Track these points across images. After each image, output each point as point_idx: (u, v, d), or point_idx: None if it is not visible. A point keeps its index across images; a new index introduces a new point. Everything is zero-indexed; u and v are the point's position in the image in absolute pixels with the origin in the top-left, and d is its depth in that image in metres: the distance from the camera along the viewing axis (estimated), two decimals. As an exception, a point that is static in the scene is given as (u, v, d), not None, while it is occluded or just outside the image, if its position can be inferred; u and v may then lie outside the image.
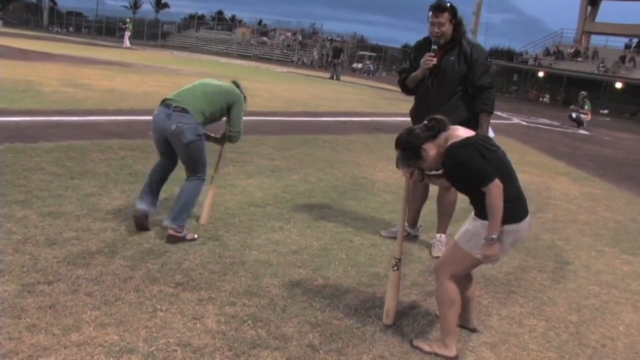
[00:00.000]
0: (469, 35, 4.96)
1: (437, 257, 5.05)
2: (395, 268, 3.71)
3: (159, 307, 3.49)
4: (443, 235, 5.29)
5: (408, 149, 3.38)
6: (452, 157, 3.23)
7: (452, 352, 3.39)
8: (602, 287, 4.93)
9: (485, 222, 3.18)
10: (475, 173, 3.17)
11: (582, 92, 25.79)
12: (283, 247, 4.79)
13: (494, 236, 3.14)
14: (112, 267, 3.94)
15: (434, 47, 4.99)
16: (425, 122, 3.37)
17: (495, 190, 3.10)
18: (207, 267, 4.16)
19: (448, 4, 4.84)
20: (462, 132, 3.35)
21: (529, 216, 3.42)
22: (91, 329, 3.15)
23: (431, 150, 3.30)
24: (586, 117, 23.94)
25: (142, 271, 3.94)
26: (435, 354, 3.38)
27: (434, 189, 5.34)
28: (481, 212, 3.24)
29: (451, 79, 4.97)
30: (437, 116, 3.38)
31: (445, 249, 3.59)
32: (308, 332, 3.44)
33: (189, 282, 3.87)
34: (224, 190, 6.16)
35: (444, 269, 3.42)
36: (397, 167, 3.61)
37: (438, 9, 4.83)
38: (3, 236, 4.17)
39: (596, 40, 52.79)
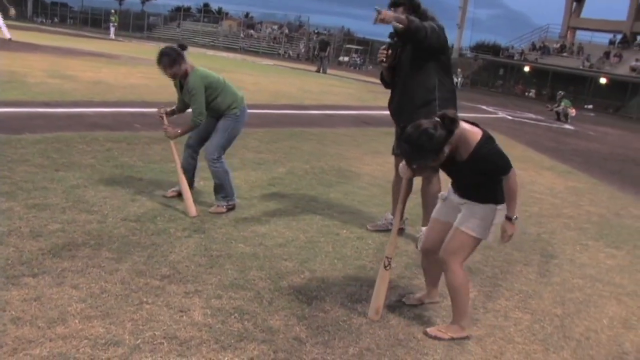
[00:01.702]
0: (433, 23, 4.95)
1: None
2: (387, 267, 3.72)
3: (145, 299, 3.48)
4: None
5: (428, 150, 3.27)
6: (484, 155, 3.35)
7: (466, 332, 3.65)
8: (586, 281, 4.97)
9: (493, 205, 3.45)
10: (502, 164, 3.35)
11: (560, 92, 26.06)
12: (269, 240, 4.79)
13: (516, 216, 3.45)
14: (97, 259, 3.92)
15: (389, 40, 5.07)
16: (439, 120, 3.29)
17: (514, 176, 3.35)
18: (194, 259, 4.14)
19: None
20: (469, 126, 3.41)
21: None
22: (77, 321, 3.13)
23: (447, 149, 3.30)
24: (571, 112, 24.12)
25: (128, 264, 3.92)
26: (453, 339, 3.56)
27: (417, 182, 5.35)
28: (484, 197, 3.47)
29: (408, 66, 5.04)
30: (450, 114, 3.31)
31: (449, 239, 3.55)
32: (294, 325, 3.44)
33: (175, 275, 3.86)
34: (210, 183, 6.13)
35: (456, 258, 3.56)
36: (410, 166, 3.55)
37: (392, 4, 4.95)
38: (-13, 228, 4.14)
39: (581, 36, 53.11)
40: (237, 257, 4.31)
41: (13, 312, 3.12)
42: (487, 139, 3.37)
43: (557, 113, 24.28)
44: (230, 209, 5.31)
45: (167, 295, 3.56)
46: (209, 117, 5.28)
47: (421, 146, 3.24)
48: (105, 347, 2.93)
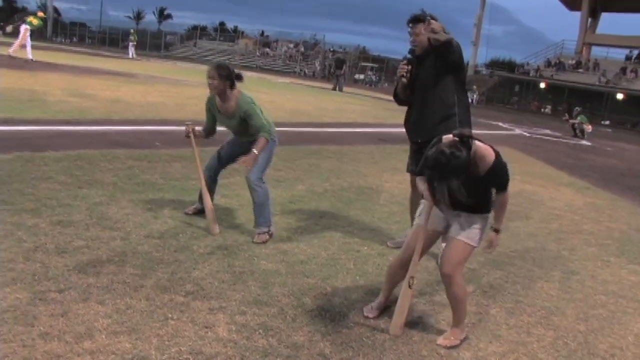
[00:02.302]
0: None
1: None
2: (411, 286, 3.74)
3: (170, 315, 3.51)
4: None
5: (456, 172, 3.27)
6: (500, 169, 3.48)
7: (465, 332, 3.82)
8: (609, 297, 4.94)
9: (487, 215, 3.66)
10: (508, 178, 3.51)
11: (577, 108, 25.96)
12: (291, 256, 4.82)
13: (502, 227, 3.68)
14: (122, 275, 3.96)
15: (408, 55, 5.12)
16: (457, 139, 3.33)
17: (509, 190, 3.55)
18: (217, 276, 4.18)
19: (422, 16, 4.94)
20: (478, 142, 3.48)
21: None
22: (103, 336, 3.17)
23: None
24: (587, 128, 24.01)
25: (152, 280, 3.96)
26: (460, 341, 3.71)
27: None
28: (482, 208, 3.64)
29: (428, 82, 5.06)
30: (467, 132, 3.38)
31: (453, 252, 3.61)
32: (318, 340, 3.46)
33: (199, 291, 3.89)
34: (232, 201, 6.20)
35: (459, 270, 3.64)
36: (433, 190, 3.48)
37: (412, 20, 5.01)
38: (14, 244, 4.19)
39: (597, 52, 53.00)
40: (259, 273, 4.34)
41: (41, 328, 3.16)
42: (499, 154, 3.48)
43: (574, 129, 24.17)
44: (271, 235, 5.23)
45: (191, 312, 3.59)
46: (242, 140, 5.36)
47: (451, 169, 3.24)
48: (132, 363, 2.96)
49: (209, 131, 5.54)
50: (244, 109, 5.13)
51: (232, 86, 5.16)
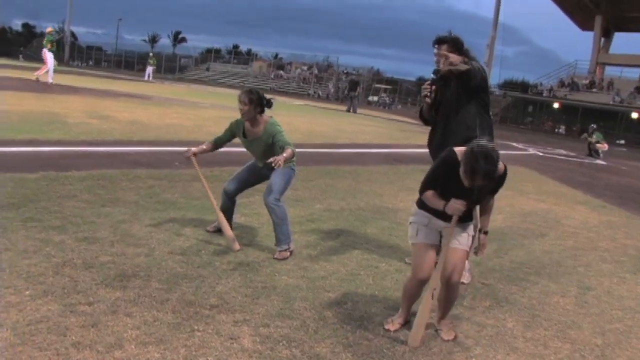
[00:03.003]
0: (477, 63, 5.09)
1: (462, 284, 5.16)
2: (433, 298, 3.89)
3: (196, 327, 3.62)
4: (466, 261, 5.34)
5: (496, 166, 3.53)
6: (504, 178, 3.77)
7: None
8: (626, 312, 4.99)
9: (470, 222, 3.98)
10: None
11: (592, 125, 25.89)
12: (311, 272, 4.92)
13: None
14: (148, 290, 4.09)
15: (433, 76, 5.18)
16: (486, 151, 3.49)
17: None
18: (240, 290, 4.29)
19: (447, 37, 5.05)
20: None
21: None
22: (133, 346, 3.28)
23: None
24: (602, 147, 23.98)
25: (177, 294, 4.08)
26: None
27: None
28: (469, 216, 3.91)
29: (451, 105, 5.14)
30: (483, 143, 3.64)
31: (458, 261, 3.88)
32: (340, 352, 3.55)
33: (223, 305, 4.00)
34: (251, 219, 6.32)
35: (460, 275, 3.95)
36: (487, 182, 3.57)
37: (437, 41, 5.08)
38: (43, 259, 4.34)
39: (610, 71, 52.95)
40: (281, 288, 4.45)
41: (73, 337, 3.28)
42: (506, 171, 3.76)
43: (589, 148, 24.13)
44: (289, 254, 5.30)
45: (217, 324, 3.70)
46: (261, 166, 5.53)
47: (495, 162, 3.48)
48: (162, 371, 3.07)
49: (218, 146, 5.68)
50: (272, 134, 5.32)
51: (262, 112, 5.39)
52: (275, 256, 5.18)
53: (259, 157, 5.53)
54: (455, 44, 5.02)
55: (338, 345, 3.64)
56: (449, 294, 3.94)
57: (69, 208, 5.71)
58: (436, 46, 5.07)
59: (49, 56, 23.42)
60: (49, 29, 24.82)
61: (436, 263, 3.92)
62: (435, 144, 5.33)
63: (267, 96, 5.53)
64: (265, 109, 5.42)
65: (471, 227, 4.00)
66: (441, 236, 3.95)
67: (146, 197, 6.58)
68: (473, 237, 4.02)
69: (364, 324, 4.02)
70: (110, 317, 3.61)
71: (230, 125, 5.60)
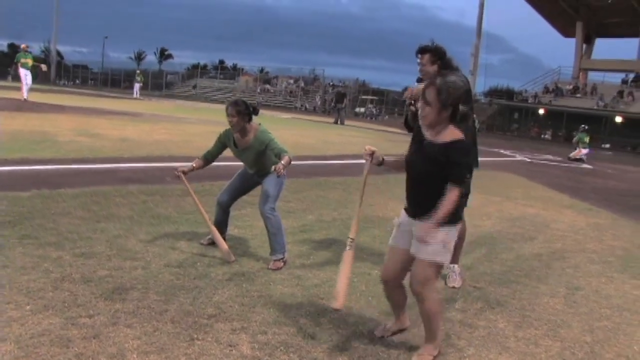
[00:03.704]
0: (456, 76, 5.17)
1: (453, 287, 5.27)
2: (348, 248, 3.93)
3: (195, 336, 3.70)
4: (456, 266, 5.45)
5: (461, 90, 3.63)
6: (462, 149, 3.61)
7: (438, 349, 3.83)
8: (614, 310, 5.11)
9: (448, 227, 3.60)
10: (465, 167, 3.62)
11: (582, 125, 26.10)
12: (305, 281, 5.01)
13: None
14: (146, 301, 4.16)
15: (416, 84, 5.31)
16: None
17: (457, 194, 3.62)
18: (237, 300, 4.37)
19: (429, 47, 5.15)
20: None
21: None
22: (135, 356, 3.36)
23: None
24: (576, 153, 24.26)
25: (175, 305, 4.16)
26: (433, 358, 3.75)
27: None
28: (427, 205, 3.60)
29: None
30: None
31: (419, 269, 3.63)
32: (337, 356, 3.64)
33: (220, 314, 4.08)
34: (245, 231, 6.41)
35: (428, 286, 3.64)
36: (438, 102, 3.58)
37: (419, 51, 5.20)
38: (42, 275, 4.41)
39: (593, 76, 53.57)
40: (277, 297, 4.54)
41: (76, 349, 3.36)
42: (467, 141, 3.60)
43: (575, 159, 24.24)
44: (285, 262, 5.41)
45: (215, 332, 3.79)
46: (252, 173, 5.64)
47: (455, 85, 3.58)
48: (164, 379, 3.15)
49: (209, 161, 5.75)
50: (264, 142, 5.41)
51: (250, 120, 5.47)
52: (269, 266, 5.26)
53: (251, 165, 5.63)
54: (437, 53, 5.14)
55: (334, 349, 3.73)
56: (417, 303, 3.74)
57: (64, 225, 5.78)
58: (419, 55, 5.19)
59: (21, 73, 23.43)
60: (23, 45, 24.71)
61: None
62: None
63: (252, 103, 5.67)
64: (253, 116, 5.53)
65: (447, 234, 3.62)
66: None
67: (140, 212, 6.65)
68: (445, 244, 3.62)
69: (358, 328, 4.11)
70: (111, 328, 3.68)
71: (219, 137, 5.68)
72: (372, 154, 3.90)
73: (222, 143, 5.67)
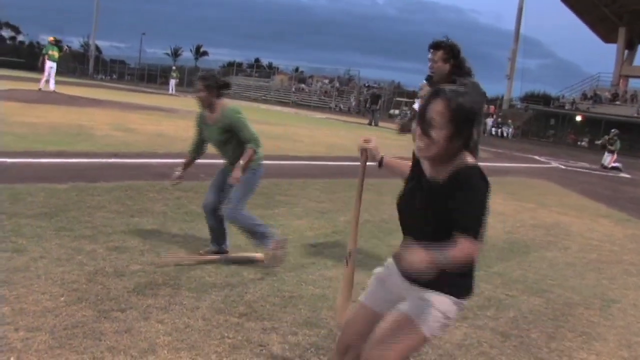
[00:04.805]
0: (471, 79, 4.91)
1: None
2: (347, 263, 3.21)
3: (226, 334, 3.71)
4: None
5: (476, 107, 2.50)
6: (474, 185, 2.44)
7: None
8: (657, 329, 4.99)
9: (453, 299, 2.55)
10: (478, 212, 2.43)
11: (613, 129, 25.62)
12: (337, 282, 4.97)
13: None
14: (178, 298, 4.19)
15: (425, 82, 5.11)
16: None
17: (471, 249, 2.36)
18: (268, 299, 4.37)
19: (444, 43, 4.92)
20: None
21: None
22: (165, 352, 3.38)
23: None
24: (612, 160, 23.81)
25: (207, 302, 4.17)
26: None
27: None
28: (444, 277, 2.42)
29: None
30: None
31: (388, 326, 2.55)
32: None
33: (252, 313, 4.09)
34: (278, 231, 6.40)
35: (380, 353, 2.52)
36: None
37: (432, 46, 4.95)
38: (76, 267, 4.46)
39: (634, 84, 52.66)
40: (308, 297, 4.53)
41: (108, 342, 3.39)
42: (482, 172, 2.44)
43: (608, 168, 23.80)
44: (281, 246, 5.12)
45: (246, 331, 3.79)
46: (231, 168, 5.12)
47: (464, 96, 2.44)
48: (194, 376, 3.16)
49: (195, 152, 5.45)
50: (229, 118, 5.04)
51: (219, 96, 5.12)
52: (264, 261, 5.10)
53: (216, 145, 5.25)
54: (451, 51, 4.91)
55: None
56: None
57: (98, 218, 5.85)
58: (431, 51, 4.96)
59: (47, 65, 23.78)
60: (50, 38, 24.99)
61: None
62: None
63: (225, 79, 5.34)
64: (224, 92, 5.18)
65: (451, 307, 2.54)
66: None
67: (174, 208, 6.70)
68: (445, 317, 2.53)
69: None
70: (143, 323, 3.71)
71: (196, 122, 5.36)
72: (365, 150, 3.08)
73: (199, 126, 5.33)
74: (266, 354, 3.51)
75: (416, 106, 5.19)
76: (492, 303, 5.01)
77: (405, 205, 2.67)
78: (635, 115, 43.92)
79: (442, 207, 2.40)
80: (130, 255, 4.93)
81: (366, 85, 58.91)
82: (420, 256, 2.23)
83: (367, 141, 3.09)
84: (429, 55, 4.99)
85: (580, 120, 47.06)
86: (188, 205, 6.96)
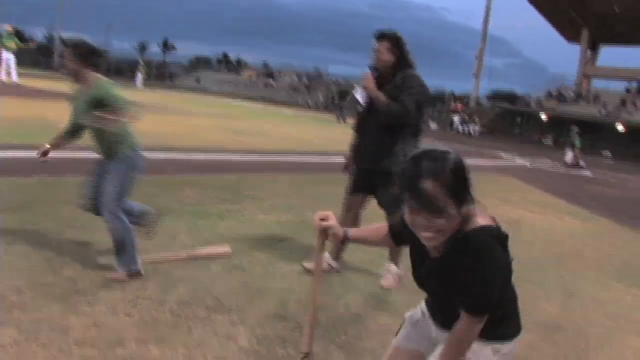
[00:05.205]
0: (413, 71, 4.91)
1: (387, 288, 5.10)
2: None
3: (193, 327, 3.74)
4: (393, 265, 5.24)
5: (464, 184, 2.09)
6: (486, 258, 2.11)
7: None
8: (608, 317, 5.15)
9: (493, 343, 2.26)
10: (485, 287, 2.13)
11: (573, 125, 26.04)
12: (305, 276, 5.04)
13: None
14: (146, 292, 4.20)
15: (368, 70, 5.02)
16: None
17: (477, 326, 2.15)
18: (235, 293, 4.41)
19: (389, 33, 4.88)
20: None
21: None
22: (133, 344, 3.40)
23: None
24: (577, 156, 24.23)
25: (174, 296, 4.19)
26: None
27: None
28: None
29: (376, 113, 5.01)
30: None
31: None
32: (334, 351, 3.68)
33: (219, 306, 4.12)
34: (244, 225, 6.43)
35: None
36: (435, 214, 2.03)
37: (377, 36, 4.91)
38: (42, 262, 4.45)
39: (597, 84, 53.69)
40: (276, 291, 4.57)
41: (75, 335, 3.40)
42: (498, 233, 2.16)
43: (571, 164, 24.22)
44: (134, 276, 4.43)
45: (213, 324, 3.82)
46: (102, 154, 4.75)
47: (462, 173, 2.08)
48: (162, 368, 3.19)
49: (71, 132, 4.94)
50: (100, 90, 4.47)
51: (91, 66, 4.53)
52: (108, 275, 4.41)
53: (90, 130, 4.66)
54: (396, 42, 4.87)
55: (331, 345, 3.76)
56: None
57: (65, 212, 5.81)
58: (376, 41, 4.90)
59: (3, 56, 23.24)
60: (7, 27, 24.13)
61: None
62: (363, 147, 5.38)
63: (101, 48, 4.82)
64: (96, 63, 4.61)
65: (491, 353, 2.24)
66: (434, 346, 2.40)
67: (143, 203, 6.66)
68: None
69: (356, 326, 4.15)
70: (111, 317, 3.71)
71: (71, 100, 4.77)
72: (325, 230, 2.55)
73: (73, 103, 4.74)
74: (234, 347, 3.55)
75: (357, 94, 5.13)
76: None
77: (425, 279, 2.34)
78: (598, 115, 44.74)
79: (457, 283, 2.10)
80: (97, 250, 4.92)
81: (335, 81, 58.99)
82: None
83: (324, 219, 2.54)
84: (374, 46, 4.94)
85: (546, 119, 47.77)
86: (155, 200, 6.91)
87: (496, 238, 2.10)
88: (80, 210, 5.87)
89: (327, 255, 5.26)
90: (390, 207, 5.02)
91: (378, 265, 5.59)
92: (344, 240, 2.58)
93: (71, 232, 5.23)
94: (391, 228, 2.53)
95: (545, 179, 17.55)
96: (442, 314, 2.34)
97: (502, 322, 2.25)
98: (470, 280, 2.04)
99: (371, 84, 4.90)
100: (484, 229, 2.10)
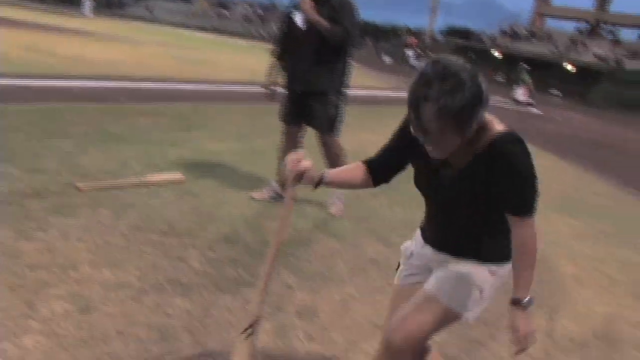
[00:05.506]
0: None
1: (335, 215, 5.24)
2: (247, 335, 2.35)
3: (145, 250, 3.82)
4: (340, 192, 5.34)
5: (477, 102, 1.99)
6: (521, 158, 2.20)
7: None
8: (547, 245, 5.37)
9: (495, 267, 2.21)
10: (532, 185, 2.25)
11: (521, 63, 26.29)
12: (255, 202, 5.15)
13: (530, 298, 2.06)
14: (98, 217, 4.23)
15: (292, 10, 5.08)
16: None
17: (534, 229, 2.20)
18: (187, 218, 4.49)
19: None
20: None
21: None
22: (87, 268, 3.46)
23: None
24: (525, 93, 24.59)
25: (126, 221, 4.24)
26: None
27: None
28: (484, 247, 2.24)
29: (314, 35, 4.90)
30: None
31: (414, 311, 2.18)
32: (283, 273, 3.81)
33: (171, 231, 4.19)
34: (195, 153, 6.46)
35: (417, 344, 2.23)
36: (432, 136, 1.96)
37: None
38: (-9, 188, 4.42)
39: (551, 23, 54.13)
40: (227, 216, 4.67)
41: (28, 259, 3.43)
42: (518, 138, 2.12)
43: (521, 102, 24.56)
44: None
45: (165, 248, 3.90)
46: None
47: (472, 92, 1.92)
48: (116, 289, 3.27)
49: None
50: None
51: None
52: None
53: None
54: None
55: (281, 267, 3.86)
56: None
57: (14, 140, 5.72)
58: None
59: None
60: None
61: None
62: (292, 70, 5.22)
63: None
64: None
65: (490, 279, 2.19)
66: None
67: (92, 131, 6.63)
68: (481, 293, 2.18)
69: (305, 248, 4.30)
70: (63, 242, 3.74)
71: None
72: (301, 173, 2.32)
73: None
74: (185, 268, 3.65)
75: (296, 18, 5.02)
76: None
77: (436, 190, 2.22)
78: (549, 53, 45.25)
79: (482, 192, 2.07)
80: (48, 177, 4.88)
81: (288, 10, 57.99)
82: (529, 325, 2.02)
83: (298, 161, 2.32)
84: None
85: (498, 56, 48.12)
86: (107, 127, 6.89)
87: (519, 140, 2.08)
88: (29, 138, 5.85)
89: (274, 184, 5.34)
90: (325, 129, 5.08)
91: (326, 193, 5.71)
92: (319, 183, 2.35)
93: (21, 161, 5.13)
94: (368, 164, 2.39)
95: (495, 115, 17.77)
96: (446, 231, 2.24)
97: (498, 242, 2.17)
98: (516, 183, 2.05)
99: (309, 8, 4.86)
100: (508, 133, 2.09)
